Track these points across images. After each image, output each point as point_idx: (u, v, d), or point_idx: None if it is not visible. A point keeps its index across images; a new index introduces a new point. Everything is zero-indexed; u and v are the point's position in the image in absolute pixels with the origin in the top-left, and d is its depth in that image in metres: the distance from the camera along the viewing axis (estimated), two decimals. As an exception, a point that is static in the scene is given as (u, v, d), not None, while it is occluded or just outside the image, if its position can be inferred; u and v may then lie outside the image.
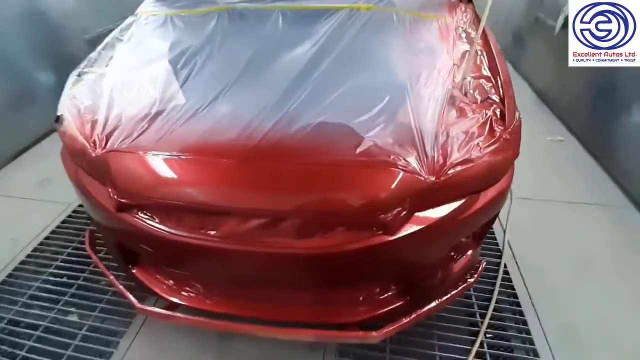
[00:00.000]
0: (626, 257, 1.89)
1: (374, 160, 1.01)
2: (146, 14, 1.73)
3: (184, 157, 1.06)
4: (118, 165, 1.08)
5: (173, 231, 1.07)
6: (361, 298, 1.24)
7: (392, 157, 1.02)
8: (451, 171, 1.03)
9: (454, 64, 1.36)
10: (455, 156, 1.05)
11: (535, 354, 1.46)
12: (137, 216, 1.11)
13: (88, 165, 1.20)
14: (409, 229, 1.04)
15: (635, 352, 1.49)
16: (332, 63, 1.35)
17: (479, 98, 1.25)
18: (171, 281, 1.32)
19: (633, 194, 2.23)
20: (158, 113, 1.19)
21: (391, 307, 1.24)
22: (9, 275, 1.79)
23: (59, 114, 1.29)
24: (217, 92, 1.24)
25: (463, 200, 1.11)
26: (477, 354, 1.44)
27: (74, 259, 1.87)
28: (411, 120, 1.12)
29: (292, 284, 1.24)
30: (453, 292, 1.30)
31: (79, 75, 1.44)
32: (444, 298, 1.26)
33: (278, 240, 1.03)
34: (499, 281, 1.71)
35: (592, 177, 2.47)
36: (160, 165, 1.06)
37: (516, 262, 1.84)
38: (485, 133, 1.12)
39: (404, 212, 1.02)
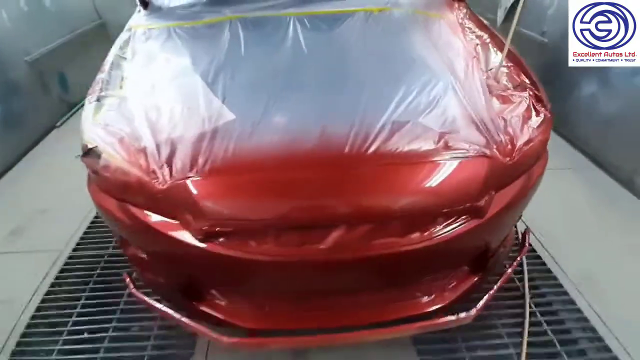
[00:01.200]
0: (604, 211, 2.22)
1: (461, 151, 1.08)
2: (142, 27, 1.59)
3: (277, 173, 1.02)
4: (204, 192, 1.00)
5: (270, 251, 1.02)
6: (443, 285, 1.30)
7: (471, 146, 1.10)
8: (518, 152, 1.15)
9: (474, 56, 1.49)
10: (520, 138, 1.16)
11: (572, 302, 1.66)
12: (224, 243, 1.03)
13: (149, 199, 1.08)
14: (494, 209, 1.12)
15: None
16: (372, 64, 1.39)
17: (510, 85, 1.39)
18: (249, 306, 1.25)
19: (594, 156, 2.62)
20: (215, 132, 1.12)
21: (468, 287, 1.32)
22: (19, 344, 1.52)
23: (90, 145, 1.14)
24: (263, 103, 1.21)
25: (525, 176, 1.23)
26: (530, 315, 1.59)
27: (92, 310, 1.65)
28: (469, 111, 1.20)
29: (387, 283, 1.25)
30: (514, 263, 1.43)
31: (98, 101, 1.29)
32: (509, 270, 1.38)
33: (382, 242, 1.04)
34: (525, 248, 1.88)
35: (556, 145, 2.84)
36: (254, 184, 1.00)
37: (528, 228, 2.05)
38: (533, 114, 1.25)
39: (491, 195, 1.10)
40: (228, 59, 1.40)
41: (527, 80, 1.38)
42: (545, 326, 1.56)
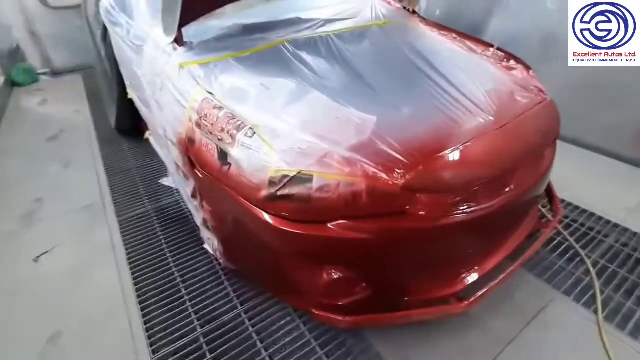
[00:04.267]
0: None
1: (536, 99, 1.44)
2: (193, 64, 1.41)
3: (469, 145, 1.17)
4: (442, 170, 1.11)
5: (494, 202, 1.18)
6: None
7: (536, 96, 1.47)
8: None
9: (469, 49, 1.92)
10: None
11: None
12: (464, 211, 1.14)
13: (386, 199, 1.07)
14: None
15: None
16: (414, 63, 1.62)
17: (506, 63, 1.86)
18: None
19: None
20: (393, 126, 1.20)
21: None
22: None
23: (290, 173, 1.06)
24: (384, 100, 1.34)
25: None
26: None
27: None
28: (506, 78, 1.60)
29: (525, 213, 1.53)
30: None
31: (253, 133, 1.15)
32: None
33: (533, 173, 1.35)
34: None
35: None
36: (464, 156, 1.14)
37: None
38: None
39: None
40: (313, 74, 1.44)
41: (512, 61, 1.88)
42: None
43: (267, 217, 1.12)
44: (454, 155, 1.13)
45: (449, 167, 1.13)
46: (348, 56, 1.61)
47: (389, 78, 1.51)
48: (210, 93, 1.29)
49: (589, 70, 2.34)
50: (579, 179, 2.30)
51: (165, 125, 1.51)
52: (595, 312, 1.50)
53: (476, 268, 1.31)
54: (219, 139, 1.18)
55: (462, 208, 1.13)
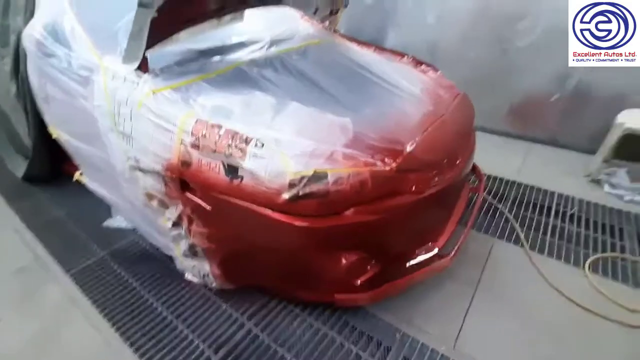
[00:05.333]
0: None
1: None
2: (165, 89, 1.40)
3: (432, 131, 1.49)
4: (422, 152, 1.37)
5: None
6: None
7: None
8: None
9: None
10: None
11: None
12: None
13: (388, 183, 1.28)
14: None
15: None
16: (356, 75, 1.91)
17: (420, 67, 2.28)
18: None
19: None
20: (374, 125, 1.43)
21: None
22: None
23: (305, 174, 1.18)
24: (345, 105, 1.55)
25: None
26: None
27: None
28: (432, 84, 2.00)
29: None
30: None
31: (262, 145, 1.22)
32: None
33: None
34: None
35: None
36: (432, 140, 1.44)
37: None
38: None
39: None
40: (280, 88, 1.57)
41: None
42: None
43: (289, 218, 1.21)
44: (424, 140, 1.42)
45: (424, 150, 1.40)
46: (303, 71, 1.78)
47: (343, 86, 1.74)
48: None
49: (472, 67, 3.04)
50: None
51: (139, 155, 1.45)
52: (523, 246, 1.98)
53: (447, 227, 1.62)
54: (226, 155, 1.23)
55: (436, 180, 1.42)
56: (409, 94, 1.70)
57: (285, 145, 1.23)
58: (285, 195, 1.19)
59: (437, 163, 1.43)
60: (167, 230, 1.62)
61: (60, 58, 1.55)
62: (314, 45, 2.08)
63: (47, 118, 1.92)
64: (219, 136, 1.24)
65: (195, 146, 1.28)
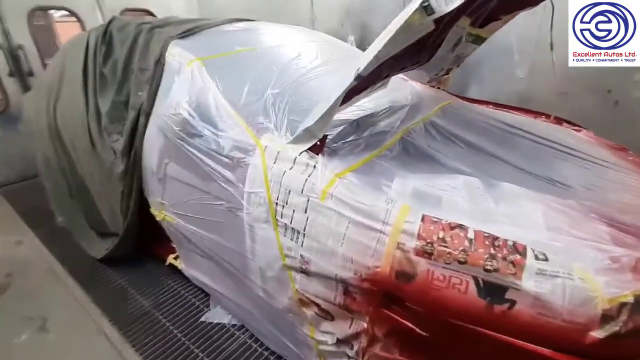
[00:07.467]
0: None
1: None
2: (345, 173, 1.15)
3: None
4: None
5: None
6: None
7: None
8: None
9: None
10: None
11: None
12: None
13: None
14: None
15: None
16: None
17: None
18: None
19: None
20: None
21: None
22: None
23: None
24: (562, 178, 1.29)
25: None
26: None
27: None
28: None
29: None
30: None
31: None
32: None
33: None
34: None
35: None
36: None
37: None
38: None
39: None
40: (462, 162, 1.34)
41: None
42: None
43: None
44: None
45: None
46: (460, 136, 1.52)
47: (515, 152, 1.45)
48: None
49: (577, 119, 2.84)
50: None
51: (310, 255, 1.13)
52: None
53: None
54: (486, 270, 0.90)
55: None
56: (606, 162, 1.40)
57: (576, 255, 0.89)
58: (596, 334, 0.82)
59: None
60: (312, 342, 1.27)
61: (207, 138, 1.30)
62: (447, 106, 1.85)
63: (157, 199, 1.65)
64: (470, 241, 0.93)
65: (427, 254, 0.94)
